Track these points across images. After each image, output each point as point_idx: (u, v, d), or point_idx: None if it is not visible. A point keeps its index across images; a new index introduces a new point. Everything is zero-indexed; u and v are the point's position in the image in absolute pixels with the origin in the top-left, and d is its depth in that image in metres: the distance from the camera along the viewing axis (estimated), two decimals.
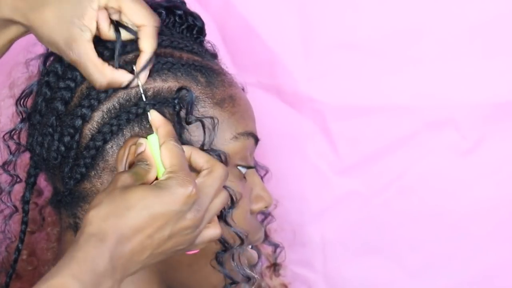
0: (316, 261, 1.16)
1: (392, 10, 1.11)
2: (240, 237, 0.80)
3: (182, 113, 0.78)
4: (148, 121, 0.76)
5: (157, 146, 0.74)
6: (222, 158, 0.78)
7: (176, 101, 0.78)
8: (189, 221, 0.71)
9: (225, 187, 0.76)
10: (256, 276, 0.84)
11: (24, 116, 0.84)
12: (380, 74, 1.12)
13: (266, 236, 0.96)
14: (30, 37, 0.79)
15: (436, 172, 1.13)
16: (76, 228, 0.80)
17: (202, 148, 0.78)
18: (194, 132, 0.78)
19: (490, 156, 1.11)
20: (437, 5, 1.10)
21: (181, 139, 0.77)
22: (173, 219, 0.71)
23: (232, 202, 0.79)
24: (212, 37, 0.89)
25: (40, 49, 0.84)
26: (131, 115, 0.77)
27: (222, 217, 0.79)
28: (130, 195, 0.70)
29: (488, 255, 1.13)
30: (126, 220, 0.69)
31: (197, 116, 0.78)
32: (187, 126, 0.78)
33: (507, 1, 1.09)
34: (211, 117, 0.79)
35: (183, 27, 0.84)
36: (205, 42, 0.86)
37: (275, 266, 1.04)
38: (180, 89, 0.78)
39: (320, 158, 1.15)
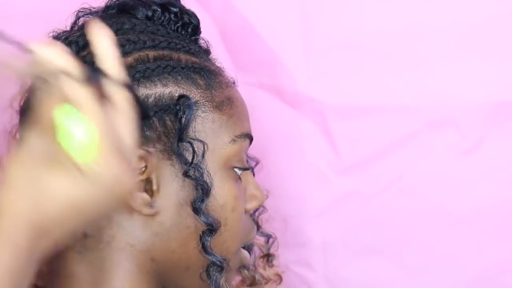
0: (316, 262, 1.16)
1: (393, 10, 1.11)
2: (220, 265, 0.80)
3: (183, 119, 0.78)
4: (148, 128, 0.77)
5: None
6: (208, 186, 0.79)
7: (178, 107, 0.78)
8: None
9: (206, 216, 0.77)
10: None
11: None
12: (381, 74, 1.12)
13: (258, 227, 0.96)
14: None
15: (437, 172, 1.12)
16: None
17: (188, 167, 0.78)
18: (188, 148, 0.78)
19: (491, 156, 1.11)
20: (438, 5, 1.10)
21: (177, 149, 0.77)
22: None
23: (213, 230, 0.79)
24: (212, 37, 0.89)
25: None
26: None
27: (203, 245, 0.79)
28: None
29: (489, 255, 1.12)
30: None
31: (190, 137, 0.78)
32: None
33: (508, 0, 1.09)
34: (203, 142, 0.79)
35: (178, 24, 0.84)
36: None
37: (268, 257, 1.03)
38: (181, 97, 0.78)
39: (320, 158, 1.14)
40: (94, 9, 0.85)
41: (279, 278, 1.06)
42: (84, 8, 0.83)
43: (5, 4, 1.07)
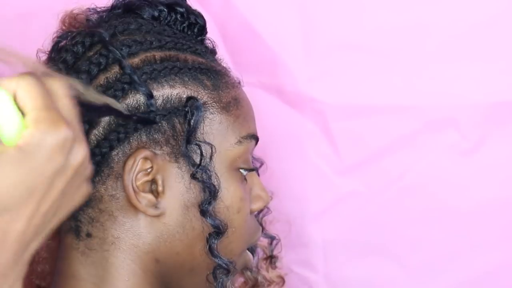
0: (317, 261, 1.16)
1: (393, 10, 1.11)
2: (226, 268, 0.80)
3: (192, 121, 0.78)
4: (156, 131, 0.76)
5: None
6: (216, 188, 0.78)
7: (186, 109, 0.77)
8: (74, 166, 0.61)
9: (213, 218, 0.77)
10: None
11: None
12: (381, 74, 1.12)
13: (262, 229, 0.95)
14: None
15: (437, 172, 1.13)
16: (77, 231, 0.79)
17: (196, 169, 0.77)
18: (196, 150, 0.78)
19: (491, 156, 1.11)
20: (438, 5, 1.10)
21: (185, 151, 0.77)
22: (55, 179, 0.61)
23: (219, 233, 0.79)
24: (213, 37, 0.89)
25: None
26: (140, 124, 0.76)
27: (209, 247, 0.79)
28: None
29: (489, 255, 1.13)
30: None
31: (198, 139, 0.78)
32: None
33: (508, 0, 1.09)
34: (210, 144, 0.78)
35: (184, 25, 0.84)
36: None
37: (271, 259, 1.03)
38: (190, 98, 0.78)
39: (321, 158, 1.14)
40: (100, 9, 0.84)
41: (282, 280, 1.06)
42: (91, 9, 0.82)
43: (5, 4, 1.07)
